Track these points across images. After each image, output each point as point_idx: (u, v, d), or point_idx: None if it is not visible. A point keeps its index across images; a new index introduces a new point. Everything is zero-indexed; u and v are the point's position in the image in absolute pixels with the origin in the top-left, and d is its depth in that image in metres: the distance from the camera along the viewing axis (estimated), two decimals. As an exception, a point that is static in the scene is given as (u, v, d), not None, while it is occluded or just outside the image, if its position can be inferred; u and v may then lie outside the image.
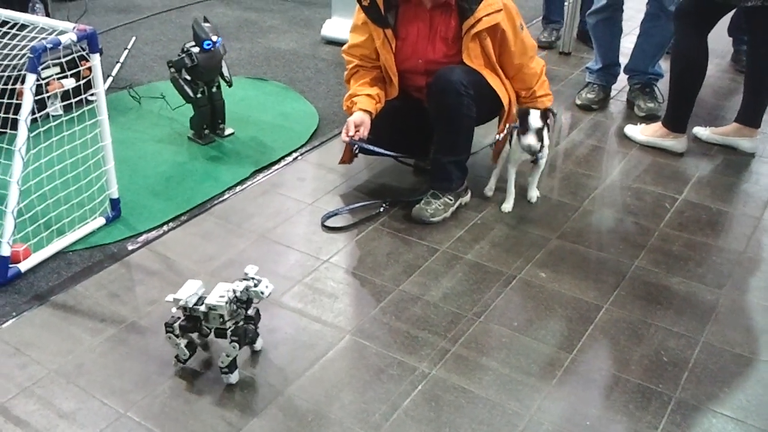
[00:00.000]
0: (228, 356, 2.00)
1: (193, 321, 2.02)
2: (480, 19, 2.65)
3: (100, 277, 2.46)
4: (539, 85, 2.86)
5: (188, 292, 2.00)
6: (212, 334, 2.04)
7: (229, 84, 3.32)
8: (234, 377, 2.03)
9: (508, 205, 2.89)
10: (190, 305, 2.00)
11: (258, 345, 2.15)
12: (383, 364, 2.12)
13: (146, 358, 2.12)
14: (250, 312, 2.06)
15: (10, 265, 2.40)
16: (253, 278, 2.01)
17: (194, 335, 2.08)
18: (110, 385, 2.02)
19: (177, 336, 2.03)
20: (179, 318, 2.03)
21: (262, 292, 1.99)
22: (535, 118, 2.67)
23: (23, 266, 2.44)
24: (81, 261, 2.54)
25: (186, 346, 2.05)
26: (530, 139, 2.67)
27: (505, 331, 2.25)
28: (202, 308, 1.99)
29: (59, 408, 1.95)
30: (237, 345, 1.99)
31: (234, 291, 1.99)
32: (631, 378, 2.09)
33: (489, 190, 2.96)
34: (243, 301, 2.01)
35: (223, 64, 3.27)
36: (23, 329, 2.22)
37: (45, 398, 1.98)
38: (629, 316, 2.33)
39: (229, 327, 2.01)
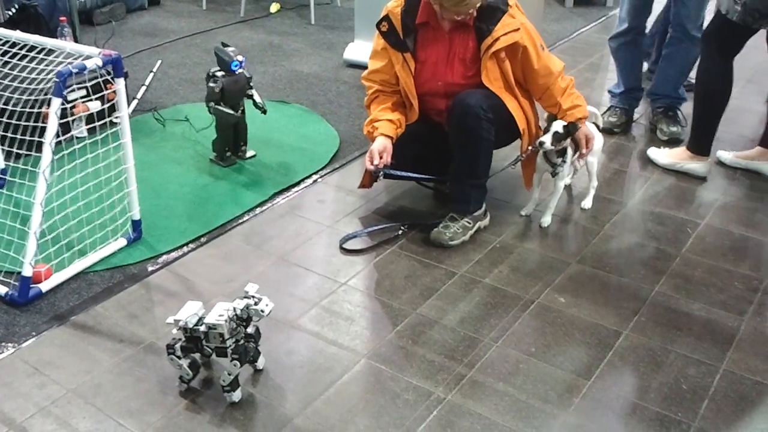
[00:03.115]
0: (230, 375, 2.01)
1: (194, 341, 2.04)
2: (497, 39, 2.66)
3: (119, 298, 2.48)
4: (564, 97, 2.80)
5: (188, 313, 2.02)
6: (213, 353, 2.05)
7: (264, 111, 3.37)
8: (236, 395, 2.04)
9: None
10: (190, 326, 2.01)
11: (260, 364, 2.15)
12: (399, 388, 2.11)
13: (163, 379, 2.13)
14: (250, 330, 2.08)
15: (32, 285, 2.43)
16: (253, 296, 2.02)
17: (196, 355, 2.09)
18: (127, 406, 2.04)
19: (179, 357, 2.04)
20: (180, 339, 2.05)
21: (262, 311, 2.00)
22: (558, 125, 2.71)
23: (44, 286, 2.47)
24: (101, 282, 2.57)
25: (189, 366, 2.06)
26: (545, 137, 2.70)
27: (523, 356, 2.23)
28: (202, 328, 2.01)
29: (76, 428, 1.96)
30: (238, 363, 2.00)
31: (234, 309, 2.01)
32: (650, 406, 2.06)
33: (525, 210, 2.99)
34: (243, 319, 2.02)
35: (254, 92, 3.33)
36: (43, 349, 2.25)
37: (62, 418, 1.99)
38: (649, 342, 2.30)
39: (230, 345, 2.02)
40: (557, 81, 2.78)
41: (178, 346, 2.04)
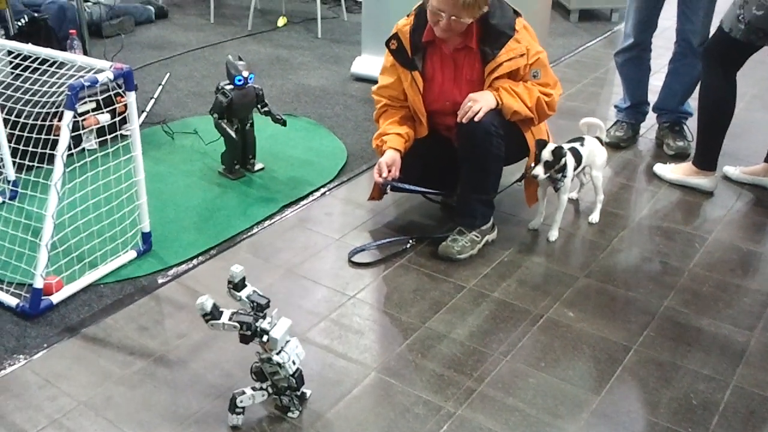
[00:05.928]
0: (248, 398, 2.00)
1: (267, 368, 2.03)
2: (501, 64, 2.66)
3: (130, 310, 2.49)
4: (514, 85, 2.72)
5: (282, 330, 1.95)
6: (253, 374, 2.05)
7: (284, 123, 3.38)
8: (240, 421, 2.01)
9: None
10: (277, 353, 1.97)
11: (292, 414, 2.08)
12: (408, 402, 2.11)
13: (174, 392, 2.14)
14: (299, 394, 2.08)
15: (43, 297, 2.44)
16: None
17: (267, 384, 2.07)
18: (138, 419, 2.04)
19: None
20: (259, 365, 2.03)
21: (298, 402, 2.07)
22: (547, 152, 2.73)
23: (55, 298, 2.48)
24: (112, 294, 2.58)
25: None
26: (537, 169, 2.74)
27: (532, 371, 2.24)
28: (277, 359, 1.96)
29: (87, 440, 1.97)
30: (264, 395, 2.01)
31: (296, 368, 2.01)
32: (660, 421, 2.06)
33: (533, 224, 3.01)
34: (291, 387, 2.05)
35: (270, 107, 3.35)
36: (54, 361, 2.25)
37: (73, 430, 2.00)
38: (658, 357, 2.30)
39: (268, 384, 2.02)
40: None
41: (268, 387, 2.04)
